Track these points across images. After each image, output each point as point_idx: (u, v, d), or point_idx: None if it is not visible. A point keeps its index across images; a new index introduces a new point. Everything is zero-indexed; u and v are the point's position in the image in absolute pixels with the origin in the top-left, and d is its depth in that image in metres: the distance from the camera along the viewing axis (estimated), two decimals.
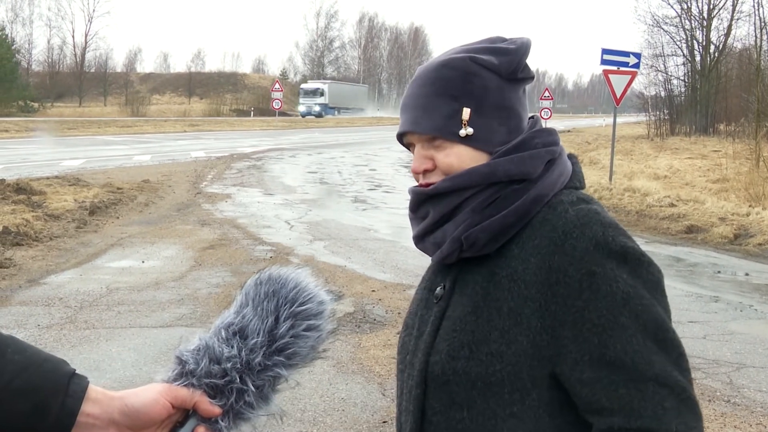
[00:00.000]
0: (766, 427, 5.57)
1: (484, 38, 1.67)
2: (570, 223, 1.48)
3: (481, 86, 1.57)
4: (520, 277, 1.48)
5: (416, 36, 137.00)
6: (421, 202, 1.63)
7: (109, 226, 13.33)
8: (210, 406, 1.39)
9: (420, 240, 1.65)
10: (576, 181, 1.63)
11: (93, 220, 13.69)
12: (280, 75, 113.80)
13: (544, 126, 1.65)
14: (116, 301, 8.39)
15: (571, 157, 1.68)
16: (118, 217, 14.22)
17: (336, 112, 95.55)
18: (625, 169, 24.11)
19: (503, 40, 1.65)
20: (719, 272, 10.93)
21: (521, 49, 1.60)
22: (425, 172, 1.62)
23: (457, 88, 1.57)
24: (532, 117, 1.67)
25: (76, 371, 1.38)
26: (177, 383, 1.41)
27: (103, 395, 1.38)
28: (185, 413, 1.42)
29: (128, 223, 13.59)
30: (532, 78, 1.65)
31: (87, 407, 1.35)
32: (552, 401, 1.47)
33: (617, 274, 1.42)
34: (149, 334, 7.28)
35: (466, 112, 1.56)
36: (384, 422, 5.45)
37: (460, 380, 1.50)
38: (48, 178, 18.74)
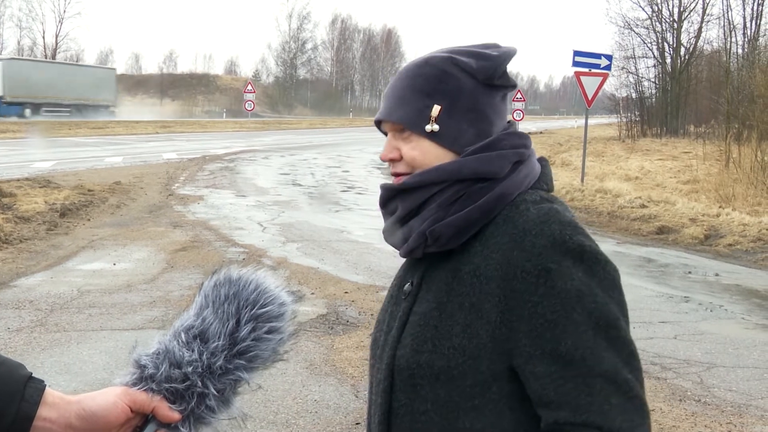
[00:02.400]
0: (736, 426, 5.62)
1: (479, 43, 1.71)
2: (530, 221, 1.52)
3: (455, 87, 1.62)
4: (482, 273, 1.52)
5: (389, 38, 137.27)
6: (390, 197, 1.68)
7: (80, 228, 13.22)
8: (169, 412, 1.37)
9: (390, 234, 1.69)
10: (543, 183, 1.67)
11: (64, 222, 13.57)
12: (253, 76, 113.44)
13: (517, 130, 1.70)
14: (87, 304, 8.32)
15: (541, 160, 1.72)
16: (89, 219, 14.10)
17: (28, 111, 57.71)
18: (596, 171, 24.27)
19: (496, 46, 1.70)
20: (690, 273, 11.03)
21: (502, 56, 1.65)
22: (392, 160, 1.67)
23: (432, 85, 1.62)
24: (509, 122, 1.72)
25: (33, 375, 1.35)
26: (136, 388, 1.38)
27: (60, 399, 1.36)
28: (144, 417, 1.39)
29: (99, 225, 13.47)
30: (513, 86, 1.69)
31: (43, 412, 1.33)
32: (512, 394, 1.50)
33: (573, 272, 1.46)
34: (121, 336, 7.22)
35: (436, 110, 1.61)
36: (357, 424, 5.44)
37: (424, 373, 1.54)
38: (18, 179, 18.54)
